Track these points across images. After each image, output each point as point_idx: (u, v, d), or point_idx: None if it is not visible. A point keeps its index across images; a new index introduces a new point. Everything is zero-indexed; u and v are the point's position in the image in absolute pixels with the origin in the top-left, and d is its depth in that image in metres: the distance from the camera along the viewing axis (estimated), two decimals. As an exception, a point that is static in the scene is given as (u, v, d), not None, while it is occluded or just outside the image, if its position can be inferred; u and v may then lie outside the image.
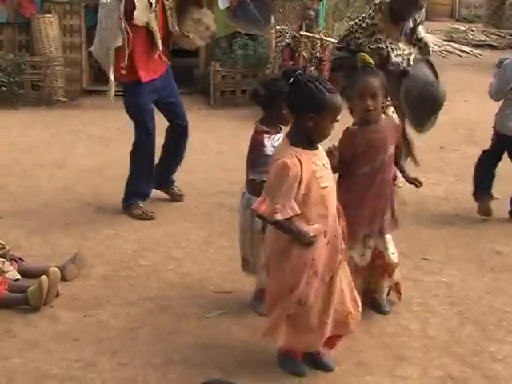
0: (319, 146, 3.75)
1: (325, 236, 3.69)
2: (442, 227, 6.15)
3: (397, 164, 4.67)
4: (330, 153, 4.00)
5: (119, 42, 6.06)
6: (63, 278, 4.91)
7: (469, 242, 5.91)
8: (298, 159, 3.55)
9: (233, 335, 4.35)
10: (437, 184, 7.38)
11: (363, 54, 4.55)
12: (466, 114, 10.70)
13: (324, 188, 3.66)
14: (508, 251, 5.72)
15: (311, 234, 3.62)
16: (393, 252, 4.58)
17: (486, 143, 6.56)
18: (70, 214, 6.39)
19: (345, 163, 4.29)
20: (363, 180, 4.40)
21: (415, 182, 4.69)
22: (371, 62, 4.39)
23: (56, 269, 4.73)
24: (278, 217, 3.54)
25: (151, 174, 6.51)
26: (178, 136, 6.70)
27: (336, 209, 3.79)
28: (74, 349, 4.16)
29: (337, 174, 4.25)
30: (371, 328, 4.42)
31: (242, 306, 4.68)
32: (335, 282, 3.80)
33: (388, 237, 4.58)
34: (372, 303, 4.63)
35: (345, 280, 3.89)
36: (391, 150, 4.45)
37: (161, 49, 6.25)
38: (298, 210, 3.56)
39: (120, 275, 5.16)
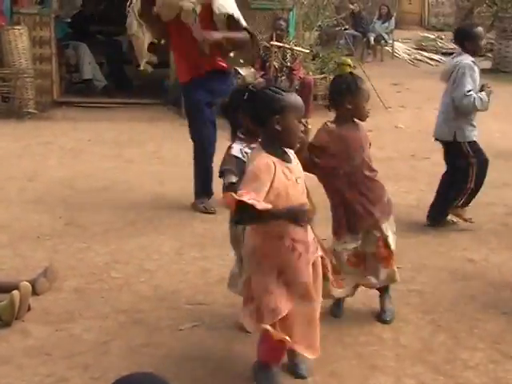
0: (292, 157, 3.76)
1: (293, 250, 3.69)
2: (414, 236, 6.17)
3: None
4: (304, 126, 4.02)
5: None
6: (34, 292, 4.86)
7: (441, 249, 5.95)
8: (274, 164, 3.56)
9: (206, 347, 4.33)
10: (408, 192, 7.43)
11: (344, 58, 4.69)
12: (437, 121, 10.76)
13: (291, 203, 3.63)
14: (479, 258, 5.77)
15: (303, 207, 3.58)
16: (392, 240, 4.64)
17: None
18: (41, 227, 6.34)
19: (324, 162, 4.40)
20: (347, 179, 4.49)
21: None
22: (352, 64, 4.54)
23: (27, 283, 4.69)
24: (261, 206, 3.43)
25: None
26: None
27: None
28: (45, 364, 4.12)
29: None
30: (344, 338, 4.42)
31: (215, 318, 4.67)
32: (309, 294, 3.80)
33: (386, 225, 4.61)
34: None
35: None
36: (367, 148, 4.58)
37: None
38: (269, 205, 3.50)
39: (92, 288, 5.12)
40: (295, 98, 3.65)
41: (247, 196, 3.41)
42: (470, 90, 6.07)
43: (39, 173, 8.09)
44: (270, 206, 3.46)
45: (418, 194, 7.40)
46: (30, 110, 11.11)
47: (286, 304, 3.69)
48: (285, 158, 3.67)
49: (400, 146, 9.58)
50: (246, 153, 4.28)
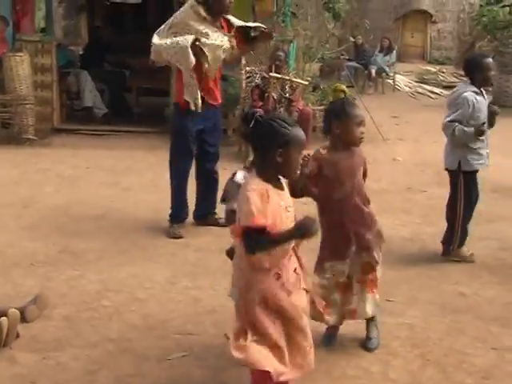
0: (284, 185, 3.78)
1: (278, 278, 3.69)
2: (406, 268, 6.17)
3: None
4: (304, 159, 4.06)
5: None
6: (24, 320, 4.86)
7: (432, 283, 5.94)
8: (267, 191, 3.58)
9: (193, 377, 4.32)
10: (403, 225, 7.43)
11: (338, 84, 4.72)
12: (434, 155, 10.73)
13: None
14: (470, 292, 5.76)
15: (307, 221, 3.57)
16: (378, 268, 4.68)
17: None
18: (34, 254, 6.34)
19: (316, 188, 4.48)
20: (338, 206, 4.53)
21: None
22: (346, 90, 4.58)
23: (16, 310, 4.68)
24: (261, 223, 3.47)
25: None
26: None
27: (293, 248, 3.81)
28: (31, 392, 4.11)
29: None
30: (332, 370, 4.41)
31: (204, 348, 4.66)
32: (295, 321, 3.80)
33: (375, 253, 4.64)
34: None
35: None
36: (359, 174, 4.60)
37: None
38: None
39: (82, 316, 5.11)
40: (299, 133, 3.67)
41: (258, 221, 3.48)
42: (451, 121, 6.15)
43: (35, 200, 8.10)
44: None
45: (413, 226, 7.40)
46: (29, 137, 11.15)
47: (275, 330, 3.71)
48: (278, 186, 3.69)
49: (397, 178, 9.60)
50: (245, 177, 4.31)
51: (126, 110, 13.18)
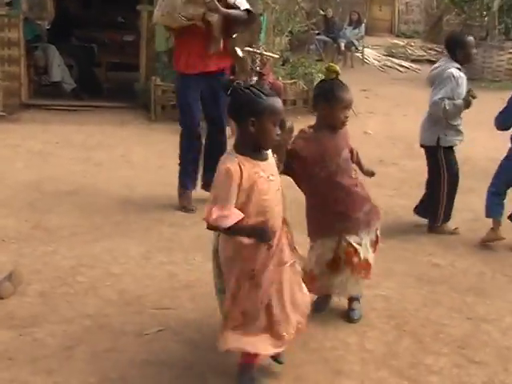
0: (268, 156, 3.78)
1: (268, 249, 3.71)
2: (380, 241, 6.18)
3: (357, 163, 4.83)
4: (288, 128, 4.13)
5: None
6: (-2, 296, 4.84)
7: (407, 255, 5.99)
8: (240, 166, 3.58)
9: (171, 352, 4.31)
10: (375, 198, 7.39)
11: (331, 64, 4.71)
12: (405, 128, 10.84)
13: (265, 199, 3.67)
14: (445, 264, 5.81)
15: (266, 227, 3.66)
16: (367, 250, 4.70)
17: (425, 157, 6.63)
18: (6, 230, 6.27)
19: (299, 167, 4.47)
20: (321, 186, 4.54)
21: (370, 175, 4.98)
22: (338, 71, 4.53)
23: (-10, 287, 4.65)
24: (229, 223, 3.56)
25: None
26: None
27: (282, 221, 3.82)
28: (8, 369, 4.07)
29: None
30: (309, 342, 4.42)
31: (181, 323, 4.65)
32: (281, 293, 3.82)
33: (363, 234, 4.66)
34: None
35: (295, 286, 3.93)
36: (344, 153, 4.59)
37: None
38: (241, 214, 3.59)
39: (57, 292, 5.07)
40: (275, 102, 3.67)
41: (215, 214, 3.54)
42: (441, 98, 6.16)
43: (6, 176, 7.99)
44: (239, 218, 3.56)
45: (386, 199, 7.41)
46: (-3, 112, 11.00)
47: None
48: (257, 157, 3.69)
49: (368, 151, 9.55)
50: None
51: (96, 85, 13.03)
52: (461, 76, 6.26)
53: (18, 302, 4.91)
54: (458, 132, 6.38)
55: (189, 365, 4.16)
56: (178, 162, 7.10)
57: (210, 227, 3.68)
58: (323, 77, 4.79)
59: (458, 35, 6.71)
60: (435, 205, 6.46)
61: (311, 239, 4.73)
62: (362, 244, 4.64)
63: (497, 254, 6.14)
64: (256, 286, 3.73)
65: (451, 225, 6.57)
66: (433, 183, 6.51)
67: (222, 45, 6.75)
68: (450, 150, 6.42)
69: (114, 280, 5.30)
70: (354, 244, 4.60)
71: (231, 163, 3.59)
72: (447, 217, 6.51)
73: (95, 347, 4.33)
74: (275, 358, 4.06)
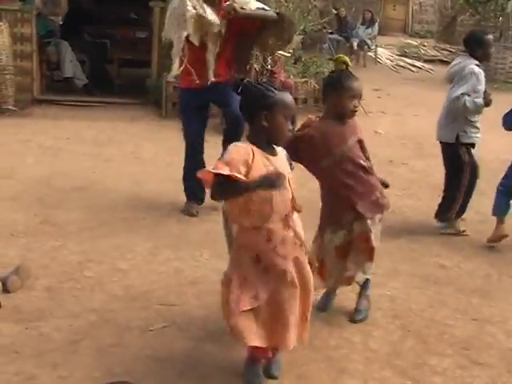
0: (278, 152, 3.79)
1: (268, 240, 3.72)
2: (388, 241, 6.16)
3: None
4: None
5: None
6: (6, 290, 4.86)
7: (414, 255, 5.99)
8: (252, 150, 3.60)
9: (175, 348, 4.33)
10: (384, 198, 7.43)
11: (341, 55, 4.75)
12: (416, 128, 10.85)
13: (270, 193, 3.65)
14: (451, 265, 5.81)
15: (272, 174, 3.58)
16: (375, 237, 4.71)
17: (435, 157, 6.64)
18: (15, 224, 6.30)
19: (306, 154, 4.50)
20: (326, 173, 4.58)
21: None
22: (349, 63, 4.58)
23: (-3, 281, 4.69)
24: (227, 171, 3.47)
25: None
26: None
27: (290, 211, 3.80)
28: (14, 362, 4.10)
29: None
30: (314, 341, 4.42)
31: (187, 319, 4.67)
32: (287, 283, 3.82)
33: (371, 222, 4.66)
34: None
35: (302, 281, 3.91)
36: (351, 141, 4.58)
37: None
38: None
39: (64, 287, 5.10)
40: (286, 97, 3.71)
41: (222, 169, 3.48)
42: (463, 94, 6.21)
43: (16, 171, 8.03)
44: (243, 178, 3.52)
45: (394, 199, 7.38)
46: (9, 107, 11.00)
47: (264, 291, 3.75)
48: (269, 151, 3.71)
49: (378, 151, 9.57)
50: None
51: (107, 81, 13.07)
52: (481, 72, 6.31)
53: (25, 296, 4.93)
54: (477, 129, 6.42)
55: (193, 361, 4.18)
56: (182, 173, 7.04)
57: (212, 191, 3.60)
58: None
59: (478, 33, 6.72)
60: (452, 199, 6.47)
61: (321, 228, 4.73)
62: (373, 231, 4.66)
63: (503, 256, 6.13)
64: (264, 272, 3.75)
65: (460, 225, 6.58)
66: (451, 180, 6.51)
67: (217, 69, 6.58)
68: (469, 146, 6.44)
69: (120, 275, 5.33)
70: (365, 230, 4.62)
71: (247, 146, 3.64)
72: (460, 213, 6.52)
73: (100, 342, 4.35)
74: (269, 373, 4.04)
